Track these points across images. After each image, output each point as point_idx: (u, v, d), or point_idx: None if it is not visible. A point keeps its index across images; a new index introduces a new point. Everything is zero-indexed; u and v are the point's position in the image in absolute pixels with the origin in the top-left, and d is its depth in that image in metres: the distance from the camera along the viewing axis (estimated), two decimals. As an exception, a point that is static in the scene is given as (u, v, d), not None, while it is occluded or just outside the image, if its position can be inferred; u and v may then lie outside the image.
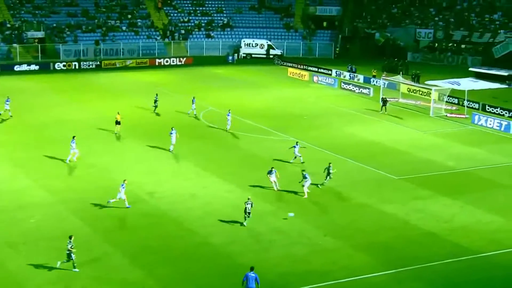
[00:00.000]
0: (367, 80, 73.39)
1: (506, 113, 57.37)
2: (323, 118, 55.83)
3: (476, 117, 55.08)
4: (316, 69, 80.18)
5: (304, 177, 35.82)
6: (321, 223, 32.66)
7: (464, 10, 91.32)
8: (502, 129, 52.66)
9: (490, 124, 53.70)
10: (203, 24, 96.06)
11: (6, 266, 27.38)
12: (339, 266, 28.09)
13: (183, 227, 31.68)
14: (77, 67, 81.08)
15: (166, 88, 66.63)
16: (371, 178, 39.55)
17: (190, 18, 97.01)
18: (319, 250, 29.60)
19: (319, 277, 27.03)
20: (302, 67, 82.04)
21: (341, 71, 77.49)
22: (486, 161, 43.91)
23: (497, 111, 58.11)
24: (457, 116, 57.53)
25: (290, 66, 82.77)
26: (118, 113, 48.71)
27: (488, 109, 58.88)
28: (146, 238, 30.38)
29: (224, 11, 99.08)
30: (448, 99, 61.03)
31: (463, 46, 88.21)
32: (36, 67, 79.58)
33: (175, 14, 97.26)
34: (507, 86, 69.47)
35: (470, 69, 77.14)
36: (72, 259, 26.56)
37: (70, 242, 26.67)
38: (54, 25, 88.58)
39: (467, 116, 56.87)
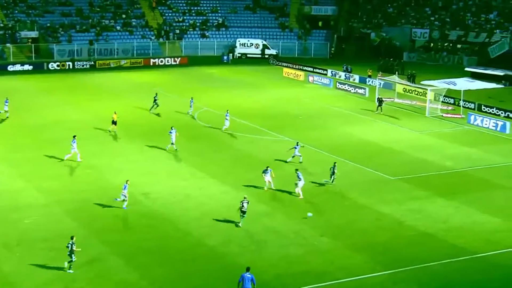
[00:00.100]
0: (362, 80, 73.22)
1: (502, 113, 57.34)
2: (318, 118, 55.69)
3: (472, 117, 54.98)
4: (312, 69, 79.95)
5: (298, 177, 35.68)
6: (318, 223, 32.51)
7: (460, 10, 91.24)
8: (498, 129, 52.56)
9: (486, 124, 53.61)
10: (198, 24, 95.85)
11: (1, 267, 27.19)
12: (336, 266, 28.02)
13: (178, 227, 31.58)
14: (71, 67, 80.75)
15: (161, 88, 66.16)
16: (367, 179, 39.44)
17: (185, 17, 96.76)
18: (315, 250, 29.52)
19: (315, 277, 26.97)
20: (297, 67, 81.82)
21: (337, 71, 77.34)
22: (482, 161, 43.84)
23: (493, 111, 58.05)
24: (453, 116, 57.44)
25: (285, 66, 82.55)
26: (115, 113, 48.65)
27: (484, 109, 58.81)
28: (141, 239, 30.27)
29: (219, 11, 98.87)
30: (444, 99, 60.88)
31: (459, 46, 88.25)
32: (30, 67, 79.24)
33: (170, 14, 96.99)
34: (503, 86, 69.50)
35: (466, 69, 77.07)
36: (72, 260, 26.52)
37: (73, 242, 26.59)
38: (48, 24, 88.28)
39: (463, 116, 56.79)
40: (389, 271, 27.61)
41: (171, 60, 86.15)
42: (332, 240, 30.54)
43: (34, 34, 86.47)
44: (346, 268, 27.90)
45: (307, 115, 56.53)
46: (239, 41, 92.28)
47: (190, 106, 54.69)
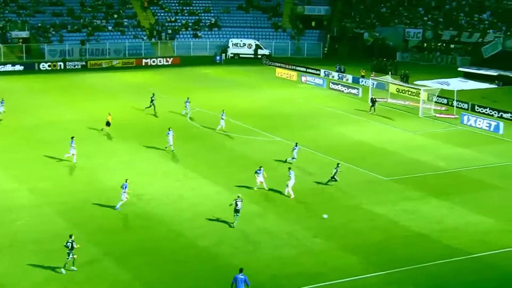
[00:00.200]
0: (355, 80, 73.06)
1: (495, 113, 57.27)
2: (311, 118, 55.55)
3: (466, 118, 54.87)
4: (305, 69, 79.72)
5: (289, 176, 35.67)
6: (311, 224, 32.42)
7: (453, 10, 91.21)
8: (491, 129, 52.45)
9: (479, 124, 53.50)
10: (190, 24, 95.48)
11: (-8, 269, 27.03)
12: (329, 267, 27.90)
13: (171, 228, 31.45)
14: (62, 67, 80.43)
15: (154, 89, 65.60)
16: (361, 179, 39.30)
17: (177, 17, 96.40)
18: (308, 251, 29.41)
19: (308, 278, 26.84)
20: (290, 67, 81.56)
21: (330, 71, 77.17)
22: (476, 162, 43.76)
23: (486, 111, 57.97)
24: (447, 116, 57.33)
25: (278, 66, 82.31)
26: (109, 114, 48.58)
27: (477, 109, 58.75)
28: (134, 240, 30.14)
29: (212, 11, 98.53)
30: (437, 99, 60.77)
31: (452, 46, 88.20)
32: (21, 68, 78.84)
33: (162, 14, 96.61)
34: (496, 86, 69.45)
35: (459, 69, 77.07)
36: (68, 258, 26.44)
37: (72, 240, 26.46)
38: (39, 24, 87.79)
39: (456, 116, 56.70)
40: (383, 272, 27.51)
41: (163, 60, 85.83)
42: (325, 241, 30.41)
43: (25, 34, 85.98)
44: (340, 269, 27.78)
45: (300, 116, 56.39)
46: (231, 41, 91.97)
47: (186, 107, 54.53)
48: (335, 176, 37.67)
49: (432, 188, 37.94)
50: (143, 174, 39.11)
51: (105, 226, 31.74)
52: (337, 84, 70.33)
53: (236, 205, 31.42)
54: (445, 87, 59.82)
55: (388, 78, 65.11)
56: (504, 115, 56.48)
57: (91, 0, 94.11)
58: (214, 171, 40.19)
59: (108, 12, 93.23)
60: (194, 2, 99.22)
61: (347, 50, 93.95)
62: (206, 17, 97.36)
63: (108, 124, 47.82)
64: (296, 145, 41.79)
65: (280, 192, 36.31)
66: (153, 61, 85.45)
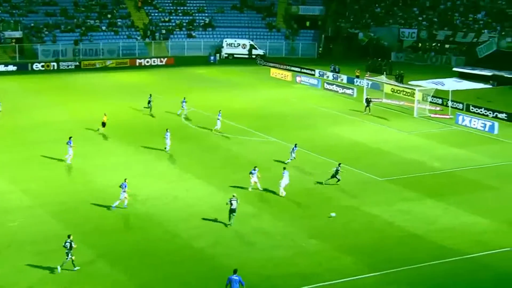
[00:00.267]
0: (350, 81, 72.92)
1: (490, 113, 57.20)
2: (306, 119, 55.41)
3: (460, 118, 54.77)
4: (299, 70, 79.53)
5: (283, 175, 35.67)
6: (306, 225, 32.36)
7: (448, 10, 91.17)
8: (486, 129, 52.35)
9: (474, 124, 53.41)
10: (184, 24, 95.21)
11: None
12: (324, 268, 27.81)
13: (166, 229, 31.35)
14: (55, 67, 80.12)
15: (147, 89, 65.45)
16: (356, 180, 39.17)
17: (171, 17, 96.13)
18: (303, 252, 29.34)
19: (303, 279, 26.77)
20: (285, 67, 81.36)
21: (324, 71, 77.03)
22: (470, 162, 43.70)
23: (481, 111, 57.88)
24: (441, 116, 57.22)
25: (272, 67, 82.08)
26: (105, 114, 48.47)
27: (472, 109, 58.67)
28: (128, 241, 30.02)
29: (206, 11, 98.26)
30: (432, 99, 60.67)
31: (447, 46, 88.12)
32: (14, 68, 78.47)
33: (156, 14, 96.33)
34: (491, 86, 69.38)
35: (454, 69, 77.02)
36: (67, 258, 26.38)
37: (71, 240, 26.42)
38: (32, 24, 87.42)
39: (451, 116, 56.60)
40: (378, 273, 27.44)
41: (157, 61, 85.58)
42: (320, 242, 30.31)
43: (18, 34, 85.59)
44: (335, 269, 27.69)
45: (295, 116, 56.24)
46: (226, 41, 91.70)
47: (182, 107, 54.41)
48: (336, 176, 37.61)
49: (427, 189, 37.88)
50: (138, 175, 38.84)
51: (100, 227, 31.59)
52: (332, 84, 70.18)
53: (231, 204, 31.34)
54: (439, 87, 59.71)
55: (382, 78, 65.02)
56: (499, 115, 56.42)
57: (84, 0, 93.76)
58: (209, 171, 40.08)
59: (101, 12, 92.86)
60: (188, 2, 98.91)
61: (341, 50, 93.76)
62: (200, 17, 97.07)
63: (103, 124, 47.72)
64: (296, 146, 41.71)
65: (275, 193, 36.24)
66: (147, 61, 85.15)
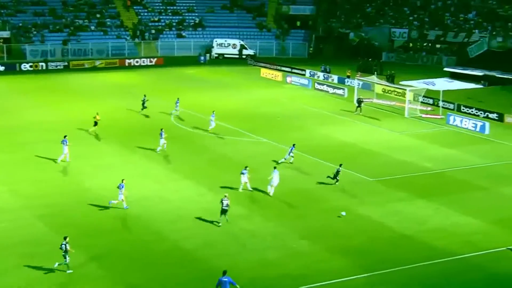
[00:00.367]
0: (341, 81, 72.66)
1: (481, 113, 57.13)
2: (297, 119, 55.23)
3: (451, 118, 54.64)
4: (290, 70, 79.19)
5: (272, 175, 35.75)
6: (296, 226, 32.31)
7: (439, 10, 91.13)
8: (477, 129, 52.25)
9: (465, 124, 53.29)
10: (174, 24, 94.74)
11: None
12: (315, 269, 27.73)
13: (155, 231, 31.18)
14: (44, 68, 79.56)
15: (137, 90, 65.57)
16: (346, 180, 38.95)
17: (161, 17, 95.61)
18: (294, 253, 29.25)
19: (293, 281, 26.65)
20: (275, 67, 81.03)
21: (315, 72, 76.76)
22: (461, 162, 43.62)
23: (472, 111, 57.80)
24: (432, 116, 57.11)
25: (263, 67, 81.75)
26: (97, 114, 48.44)
27: (463, 109, 58.58)
28: (116, 243, 29.83)
29: (196, 10, 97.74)
30: (423, 99, 60.53)
31: (438, 46, 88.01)
32: (2, 68, 77.82)
33: (145, 14, 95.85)
34: (482, 86, 69.29)
35: (445, 69, 76.92)
36: (65, 260, 26.35)
37: (66, 243, 26.34)
38: (20, 24, 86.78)
39: (442, 116, 56.51)
40: (369, 274, 27.37)
41: (147, 61, 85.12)
42: (311, 243, 30.24)
43: (5, 34, 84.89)
44: (326, 270, 27.59)
45: (286, 116, 56.02)
46: (216, 41, 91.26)
47: (176, 107, 54.19)
48: (337, 177, 37.67)
49: (418, 189, 37.85)
50: (126, 176, 37.87)
51: (88, 229, 31.33)
52: (323, 85, 69.94)
53: (222, 204, 31.31)
54: (431, 87, 59.68)
55: (373, 78, 64.78)
56: (490, 115, 56.35)
57: (73, 0, 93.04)
58: (199, 172, 39.98)
59: (90, 11, 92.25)
60: (178, 1, 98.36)
61: (332, 50, 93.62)
62: (190, 17, 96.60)
63: (95, 123, 47.68)
64: (294, 146, 41.65)
65: (265, 192, 36.18)
66: (137, 62, 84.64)
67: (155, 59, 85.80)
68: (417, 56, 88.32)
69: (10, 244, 29.25)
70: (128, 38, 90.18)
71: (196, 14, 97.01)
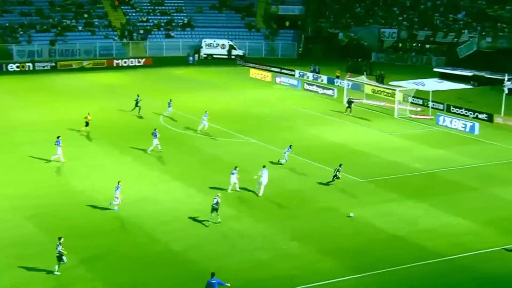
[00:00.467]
0: (330, 81, 72.44)
1: (470, 114, 57.03)
2: (286, 120, 55.08)
3: (441, 118, 54.55)
4: (279, 70, 78.89)
5: (260, 174, 35.74)
6: (286, 227, 32.18)
7: (428, 10, 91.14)
8: (467, 130, 52.17)
9: (455, 125, 53.21)
10: (162, 24, 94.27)
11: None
12: (305, 271, 27.63)
13: (144, 233, 31.00)
14: (31, 68, 79.08)
15: (126, 90, 65.43)
16: (336, 181, 38.65)
17: (149, 17, 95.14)
18: (284, 254, 29.17)
19: (284, 282, 26.63)
20: (264, 67, 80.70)
21: (305, 72, 76.56)
22: (451, 163, 43.52)
23: (461, 112, 57.73)
24: (422, 117, 57.02)
25: (252, 67, 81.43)
26: (88, 114, 48.38)
27: (452, 110, 58.51)
28: (107, 245, 29.68)
29: (184, 10, 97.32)
30: (413, 100, 60.45)
31: (427, 46, 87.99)
32: (-12, 69, 77.20)
33: (133, 14, 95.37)
34: (471, 87, 69.28)
35: (435, 69, 76.87)
36: (63, 261, 26.30)
37: (59, 244, 26.34)
38: (7, 24, 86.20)
39: (432, 117, 56.40)
40: (359, 275, 27.32)
41: (135, 61, 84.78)
42: (302, 244, 30.13)
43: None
44: (316, 272, 27.51)
45: (275, 117, 55.85)
46: (205, 41, 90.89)
47: (168, 108, 54.09)
48: (338, 176, 37.77)
49: (408, 190, 37.78)
50: (114, 177, 37.69)
51: (75, 231, 30.99)
52: (312, 85, 69.72)
53: (213, 202, 31.52)
54: (420, 87, 59.62)
55: (363, 78, 64.65)
56: (480, 116, 56.29)
57: (60, 0, 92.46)
58: (189, 173, 39.84)
59: (78, 11, 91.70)
60: (166, 1, 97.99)
61: (322, 51, 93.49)
62: (179, 17, 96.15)
63: (87, 124, 47.66)
64: (290, 147, 41.61)
65: (255, 192, 36.12)
66: (125, 62, 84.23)
67: (144, 59, 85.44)
68: (407, 57, 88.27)
69: (1, 246, 29.05)
70: (116, 38, 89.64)
71: (185, 14, 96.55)
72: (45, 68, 79.56)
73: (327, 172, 40.24)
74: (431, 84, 61.14)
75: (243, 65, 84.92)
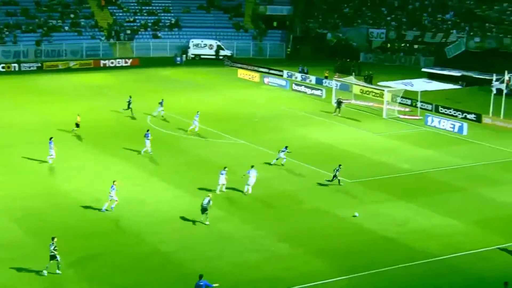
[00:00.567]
0: (319, 81, 72.20)
1: (459, 114, 56.99)
2: (275, 120, 54.87)
3: (429, 119, 54.46)
4: (267, 70, 78.56)
5: (248, 174, 35.78)
6: (275, 229, 32.05)
7: (416, 10, 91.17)
8: (456, 130, 52.11)
9: (443, 125, 53.13)
10: (149, 24, 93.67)
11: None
12: (294, 272, 27.55)
13: (131, 234, 30.87)
14: (17, 69, 78.37)
15: (113, 91, 65.17)
16: (325, 182, 38.54)
17: (136, 17, 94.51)
18: (273, 256, 29.06)
19: (272, 284, 26.57)
20: (252, 68, 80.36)
21: (293, 72, 76.35)
22: (440, 163, 43.45)
23: (450, 112, 57.66)
24: (410, 117, 56.92)
25: (240, 67, 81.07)
26: (79, 115, 48.11)
27: (441, 110, 58.43)
28: (93, 247, 29.44)
29: (172, 11, 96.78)
30: (401, 100, 60.35)
31: (415, 46, 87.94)
32: (-27, 69, 76.54)
33: (120, 14, 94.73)
34: (460, 87, 69.26)
35: (423, 69, 76.79)
36: (57, 260, 26.24)
37: (52, 243, 26.32)
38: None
39: (420, 117, 56.31)
40: (349, 276, 27.25)
41: (122, 62, 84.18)
42: (290, 246, 30.03)
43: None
44: (305, 273, 27.39)
45: (264, 118, 55.59)
46: (192, 41, 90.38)
47: (159, 108, 53.77)
48: (337, 177, 37.71)
49: (397, 190, 37.69)
50: (101, 179, 38.03)
51: (61, 232, 30.35)
52: (300, 86, 69.46)
53: (203, 202, 31.53)
54: (409, 88, 59.52)
55: (351, 79, 64.41)
56: (468, 116, 56.26)
57: (46, 0, 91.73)
58: (176, 175, 39.68)
59: (64, 11, 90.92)
60: (153, 1, 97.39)
61: (310, 51, 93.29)
62: (166, 17, 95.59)
63: (77, 125, 47.45)
64: (286, 148, 41.41)
65: (243, 192, 36.06)
66: (112, 63, 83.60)
67: (131, 60, 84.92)
68: (395, 57, 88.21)
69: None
70: (102, 38, 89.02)
71: (172, 15, 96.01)
72: (31, 68, 78.83)
73: (316, 173, 40.30)
74: (420, 85, 61.03)
75: (231, 66, 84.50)
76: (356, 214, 33.44)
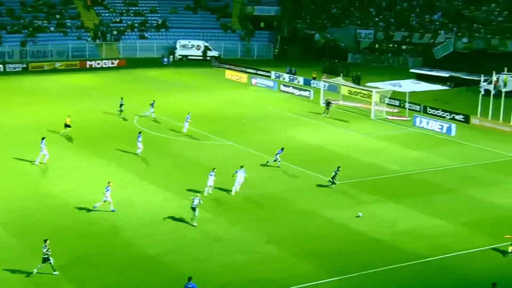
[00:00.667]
0: (307, 82, 72.01)
1: (447, 115, 56.93)
2: (263, 121, 54.67)
3: (418, 120, 54.35)
4: (255, 71, 78.27)
5: (235, 174, 35.77)
6: (263, 230, 31.95)
7: (404, 11, 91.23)
8: (444, 131, 52.05)
9: (431, 126, 53.05)
10: (136, 25, 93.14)
11: None
12: (282, 274, 27.47)
13: (120, 237, 30.75)
14: (1, 70, 77.62)
15: (99, 92, 64.80)
16: (313, 183, 38.66)
17: (123, 18, 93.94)
18: (261, 258, 28.99)
19: (261, 286, 26.58)
20: (240, 69, 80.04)
21: (281, 73, 76.13)
22: (428, 164, 43.36)
23: (438, 113, 57.60)
24: (399, 118, 56.81)
25: (228, 68, 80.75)
26: (69, 116, 47.76)
27: (429, 111, 58.36)
28: (80, 250, 29.15)
29: (158, 11, 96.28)
30: (390, 101, 60.24)
31: (403, 47, 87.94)
32: (-43, 70, 75.69)
33: (107, 14, 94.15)
34: (448, 88, 69.32)
35: (411, 70, 76.78)
36: (50, 262, 26.20)
37: (45, 246, 26.27)
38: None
39: (408, 118, 56.23)
40: (337, 278, 27.19)
41: (108, 62, 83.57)
42: (279, 247, 29.93)
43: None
44: (293, 275, 27.30)
45: (251, 119, 55.41)
46: (179, 42, 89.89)
47: (150, 109, 53.49)
48: (334, 180, 37.57)
49: (386, 192, 37.61)
50: (91, 180, 37.90)
51: (48, 235, 29.63)
52: (288, 86, 69.20)
53: (193, 202, 31.51)
54: (397, 88, 59.42)
55: (339, 80, 64.16)
56: (456, 117, 56.19)
57: (31, 0, 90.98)
58: (165, 176, 39.41)
59: (49, 12, 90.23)
60: (140, 2, 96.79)
61: (298, 52, 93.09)
62: (153, 18, 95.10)
63: (67, 126, 47.11)
64: (282, 149, 41.22)
65: (230, 192, 36.01)
66: (98, 63, 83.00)
67: (117, 60, 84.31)
68: (383, 58, 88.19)
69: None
70: (89, 39, 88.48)
71: (159, 15, 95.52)
72: (16, 69, 78.07)
73: (303, 174, 40.10)
74: (408, 85, 60.94)
75: (219, 66, 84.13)
76: (360, 214, 33.35)
